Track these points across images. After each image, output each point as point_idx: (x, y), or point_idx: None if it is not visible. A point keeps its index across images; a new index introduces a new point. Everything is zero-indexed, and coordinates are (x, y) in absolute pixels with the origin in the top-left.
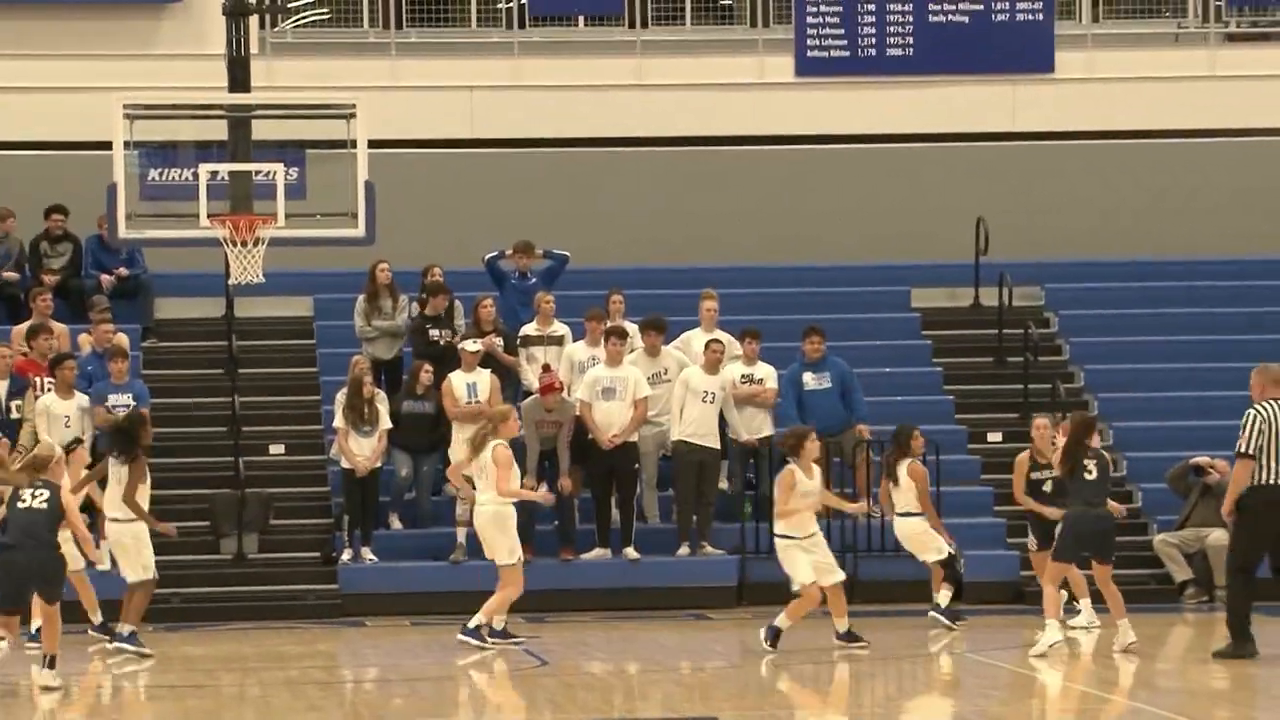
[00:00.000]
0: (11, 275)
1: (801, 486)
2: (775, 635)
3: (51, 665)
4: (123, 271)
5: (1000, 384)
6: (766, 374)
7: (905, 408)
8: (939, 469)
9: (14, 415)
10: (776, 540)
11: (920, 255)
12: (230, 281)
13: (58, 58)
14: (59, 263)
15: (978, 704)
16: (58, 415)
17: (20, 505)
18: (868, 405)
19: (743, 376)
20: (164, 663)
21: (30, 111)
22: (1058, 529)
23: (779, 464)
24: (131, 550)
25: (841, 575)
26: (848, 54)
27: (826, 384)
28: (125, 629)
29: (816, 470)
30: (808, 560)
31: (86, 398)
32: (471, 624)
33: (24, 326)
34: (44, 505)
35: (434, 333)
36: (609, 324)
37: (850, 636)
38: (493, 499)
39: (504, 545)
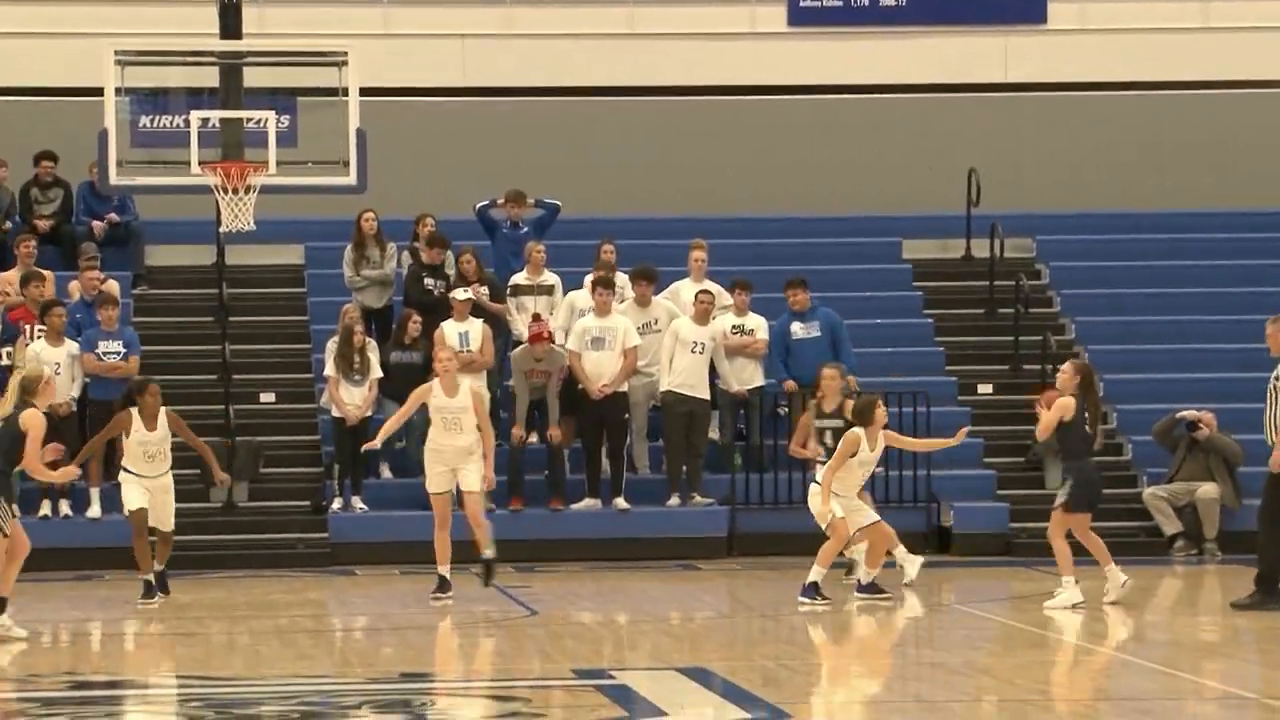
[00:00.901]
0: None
1: (862, 455)
2: (815, 590)
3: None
4: (113, 218)
5: (991, 335)
6: (757, 325)
7: (896, 359)
8: (929, 420)
9: (4, 361)
10: (812, 485)
11: (911, 207)
12: (221, 229)
13: (49, 2)
14: (49, 209)
15: (967, 656)
16: (48, 362)
17: None
18: (857, 356)
19: (733, 327)
20: (152, 610)
21: (21, 56)
22: (1068, 481)
23: (769, 415)
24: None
25: (877, 517)
26: (840, 3)
27: (815, 333)
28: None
29: (881, 441)
30: (840, 502)
31: (76, 345)
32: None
33: (14, 274)
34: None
35: (429, 282)
36: (598, 274)
37: (873, 589)
38: None
39: None
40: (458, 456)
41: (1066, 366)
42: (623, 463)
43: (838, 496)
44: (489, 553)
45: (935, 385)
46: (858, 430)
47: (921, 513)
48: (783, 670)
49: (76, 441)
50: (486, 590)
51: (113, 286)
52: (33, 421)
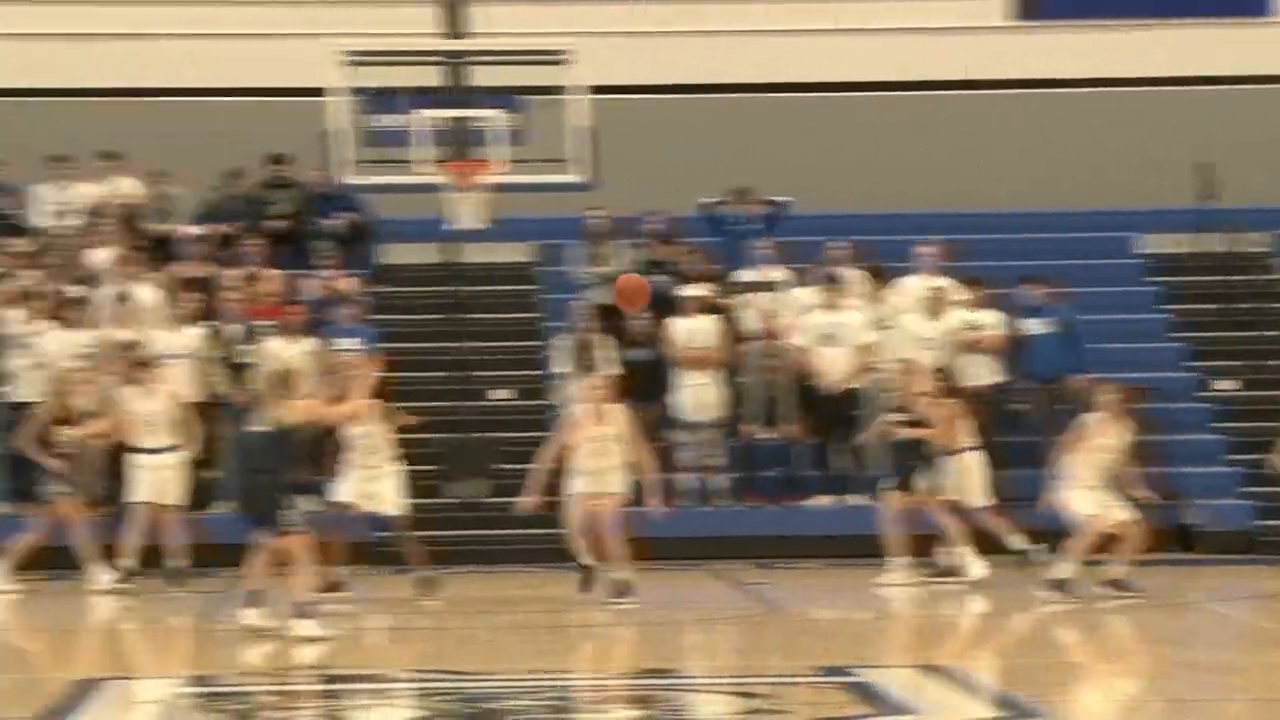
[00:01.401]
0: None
1: (1099, 439)
2: (1060, 585)
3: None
4: (354, 219)
5: (1227, 330)
6: (990, 320)
7: (1130, 354)
8: (1168, 416)
9: (247, 359)
10: (1065, 481)
11: (1144, 200)
12: (454, 227)
13: (282, 4)
14: (283, 209)
15: (1216, 655)
16: (285, 360)
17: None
18: (1091, 352)
19: (965, 323)
20: (392, 606)
21: (253, 58)
22: None
23: (1002, 412)
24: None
25: (1129, 514)
26: None
27: (1047, 329)
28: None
29: (1121, 428)
30: (1090, 496)
31: (314, 342)
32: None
33: (245, 273)
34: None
35: (658, 278)
36: (829, 270)
37: (1122, 585)
38: None
39: None
40: (603, 474)
41: None
42: (856, 459)
43: (1088, 488)
44: (619, 574)
45: (1172, 381)
46: (1094, 415)
47: (1165, 511)
48: (1028, 668)
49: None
50: (723, 586)
51: (349, 284)
52: (296, 409)
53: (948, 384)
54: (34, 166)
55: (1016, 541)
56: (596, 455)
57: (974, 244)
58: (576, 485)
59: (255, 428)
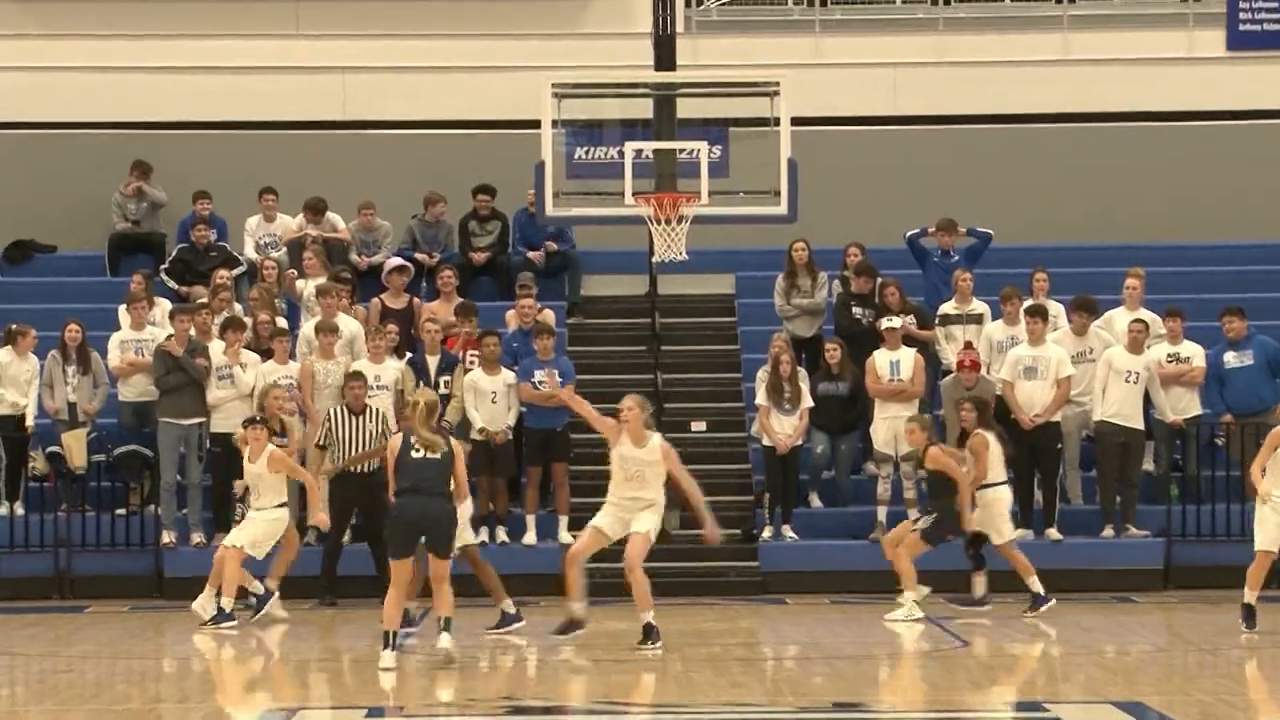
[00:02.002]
0: (425, 258)
1: None
2: (1249, 613)
3: (447, 628)
4: (551, 246)
5: None
6: (1193, 353)
7: None
8: None
9: (443, 390)
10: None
11: None
12: (654, 259)
13: (487, 37)
14: (486, 241)
15: None
16: (484, 391)
17: (414, 456)
18: None
19: (1169, 355)
20: (588, 637)
21: (460, 91)
22: None
23: (1206, 445)
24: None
25: None
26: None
27: (1248, 361)
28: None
29: None
30: (1274, 521)
31: (512, 374)
32: None
33: (445, 304)
34: (437, 457)
35: (858, 311)
36: (1030, 302)
37: None
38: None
39: None
40: (635, 508)
41: None
42: (1056, 492)
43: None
44: (647, 616)
45: None
46: None
47: None
48: (1222, 705)
49: (513, 468)
50: (904, 622)
51: (548, 316)
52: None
53: (981, 415)
54: (242, 199)
55: (1035, 584)
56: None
57: (1178, 276)
58: None
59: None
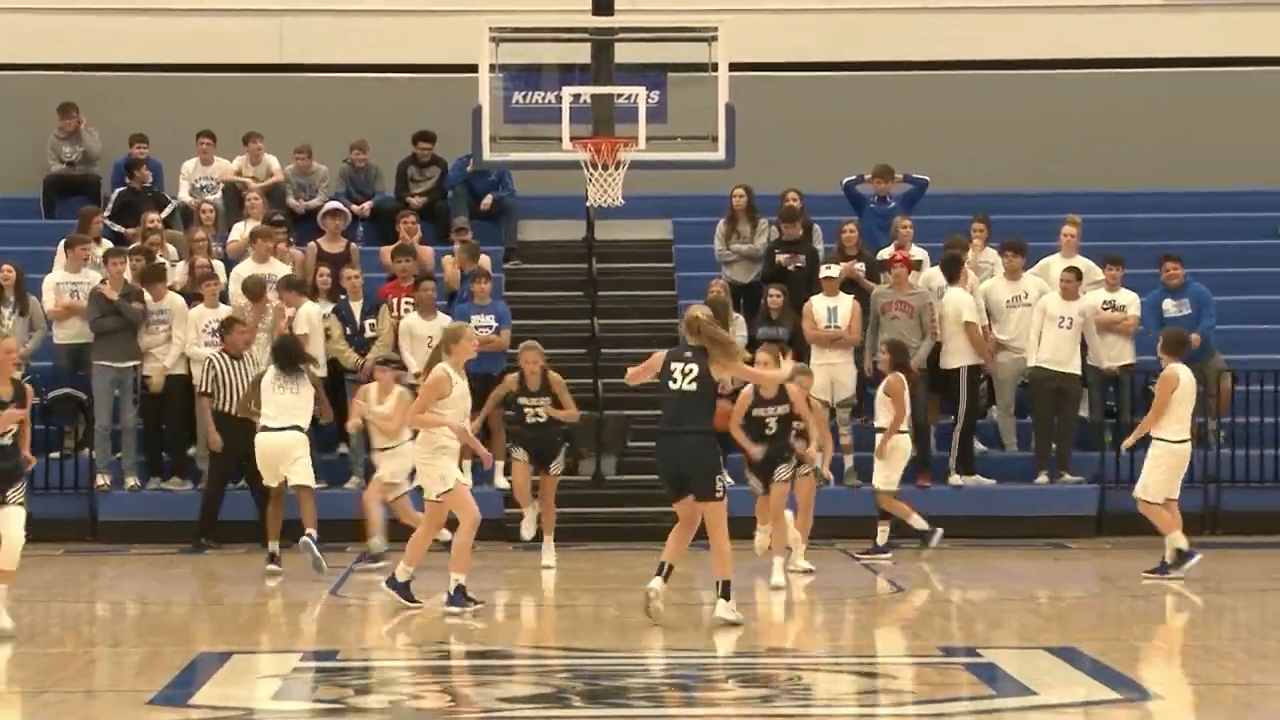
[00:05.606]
0: (362, 208)
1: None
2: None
3: (725, 595)
4: (497, 195)
5: None
6: (1129, 301)
7: (1271, 337)
8: None
9: (368, 334)
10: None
11: None
12: (588, 204)
13: None
14: (425, 186)
15: None
16: (420, 335)
17: (672, 386)
18: (1232, 332)
19: (1105, 303)
20: (522, 581)
21: (398, 35)
22: None
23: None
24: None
25: None
26: None
27: (1186, 310)
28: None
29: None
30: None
31: (448, 318)
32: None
33: (389, 248)
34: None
35: (782, 257)
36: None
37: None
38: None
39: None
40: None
41: None
42: (971, 440)
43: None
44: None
45: None
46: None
47: None
48: (1154, 650)
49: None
50: (855, 565)
51: (485, 261)
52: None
53: (895, 358)
54: (177, 142)
55: (918, 521)
56: None
57: (1115, 223)
58: None
59: None
